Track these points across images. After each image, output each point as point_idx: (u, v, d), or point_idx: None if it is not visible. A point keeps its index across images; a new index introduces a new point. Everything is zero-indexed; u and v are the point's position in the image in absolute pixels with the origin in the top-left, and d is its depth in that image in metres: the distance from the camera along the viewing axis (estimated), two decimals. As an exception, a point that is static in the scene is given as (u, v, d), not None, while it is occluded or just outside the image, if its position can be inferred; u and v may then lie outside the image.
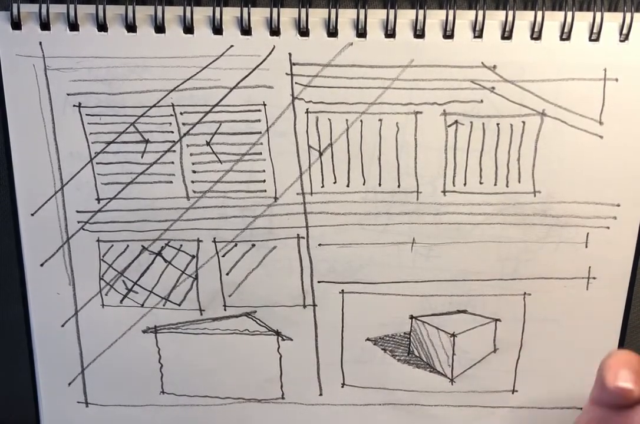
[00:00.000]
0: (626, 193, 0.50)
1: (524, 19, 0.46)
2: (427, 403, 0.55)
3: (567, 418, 0.55)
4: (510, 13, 0.46)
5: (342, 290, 0.53)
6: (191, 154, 0.49)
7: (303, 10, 0.46)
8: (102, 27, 0.46)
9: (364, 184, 0.50)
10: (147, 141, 0.49)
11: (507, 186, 0.50)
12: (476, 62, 0.47)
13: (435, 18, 0.46)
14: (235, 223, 0.51)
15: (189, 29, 0.46)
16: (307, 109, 0.48)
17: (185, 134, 0.49)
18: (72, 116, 0.49)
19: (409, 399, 0.55)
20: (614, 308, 0.52)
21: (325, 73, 0.47)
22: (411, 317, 0.53)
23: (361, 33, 0.46)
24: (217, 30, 0.46)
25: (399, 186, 0.50)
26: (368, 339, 0.54)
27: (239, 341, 0.54)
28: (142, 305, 0.53)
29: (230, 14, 0.46)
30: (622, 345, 0.53)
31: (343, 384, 0.55)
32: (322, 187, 0.50)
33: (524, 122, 0.48)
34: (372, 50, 0.47)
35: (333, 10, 0.46)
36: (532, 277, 0.52)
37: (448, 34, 0.46)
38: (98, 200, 0.50)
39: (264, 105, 0.48)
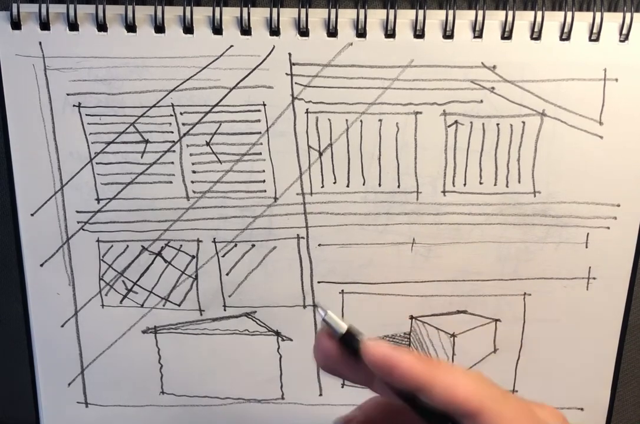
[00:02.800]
0: (626, 194, 0.50)
1: (523, 19, 0.46)
2: (427, 403, 0.55)
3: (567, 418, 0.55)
4: (510, 13, 0.46)
5: (342, 291, 0.52)
6: (191, 154, 0.49)
7: (303, 10, 0.46)
8: (102, 27, 0.46)
9: (363, 184, 0.50)
10: (146, 141, 0.49)
11: (507, 186, 0.50)
12: (476, 62, 0.47)
13: (435, 18, 0.46)
14: (235, 223, 0.51)
15: (188, 29, 0.46)
16: (307, 109, 0.48)
17: (185, 134, 0.49)
18: (71, 116, 0.49)
19: (409, 400, 0.55)
20: (614, 308, 0.52)
21: (325, 73, 0.47)
22: (411, 317, 0.53)
23: (361, 33, 0.46)
24: (217, 30, 0.46)
25: (398, 186, 0.50)
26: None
27: (239, 341, 0.54)
28: (142, 305, 0.53)
29: (230, 14, 0.46)
30: (622, 344, 0.53)
31: (343, 385, 0.55)
32: (322, 187, 0.50)
33: (523, 122, 0.48)
34: (372, 50, 0.47)
35: (333, 10, 0.46)
36: (532, 277, 0.52)
37: (448, 34, 0.46)
38: (98, 200, 0.50)
39: (264, 105, 0.48)
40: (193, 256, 0.52)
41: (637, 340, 0.55)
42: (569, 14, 0.45)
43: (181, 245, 0.51)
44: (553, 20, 0.46)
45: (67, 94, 0.48)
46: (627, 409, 0.54)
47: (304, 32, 0.46)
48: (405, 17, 0.46)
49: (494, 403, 0.30)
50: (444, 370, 0.31)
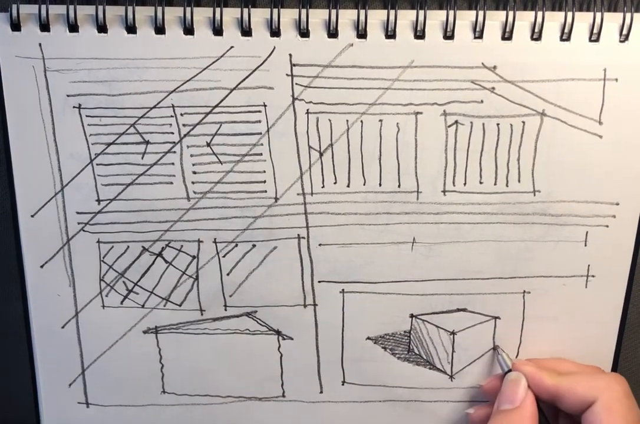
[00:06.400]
0: (625, 192, 0.50)
1: (524, 20, 0.46)
2: (427, 399, 0.56)
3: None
4: (511, 13, 0.46)
5: (343, 290, 0.53)
6: (191, 155, 0.49)
7: (303, 11, 0.46)
8: (102, 28, 0.46)
9: (364, 184, 0.50)
10: (147, 142, 0.49)
11: (507, 185, 0.50)
12: (476, 62, 0.47)
13: (435, 19, 0.46)
14: (235, 223, 0.51)
15: (189, 30, 0.46)
16: (307, 110, 0.48)
17: (185, 135, 0.49)
18: (72, 117, 0.48)
19: (408, 396, 0.56)
20: (612, 306, 0.53)
21: (326, 74, 0.47)
22: (411, 316, 0.53)
23: (361, 34, 0.46)
24: (218, 31, 0.46)
25: (399, 186, 0.50)
26: (368, 338, 0.54)
27: (240, 340, 0.54)
28: (143, 306, 0.53)
29: (230, 14, 0.46)
30: (620, 342, 0.53)
31: (343, 382, 0.55)
32: (322, 187, 0.50)
33: (523, 122, 0.48)
34: (372, 51, 0.47)
35: (333, 11, 0.46)
36: (532, 275, 0.52)
37: (448, 35, 0.46)
38: (98, 201, 0.50)
39: (265, 106, 0.48)
40: (194, 257, 0.52)
41: (635, 338, 0.55)
42: (569, 14, 0.45)
43: (182, 246, 0.52)
44: (553, 20, 0.46)
45: (67, 95, 0.48)
46: (625, 405, 0.54)
47: (304, 33, 0.46)
48: (405, 18, 0.46)
49: None
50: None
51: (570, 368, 0.51)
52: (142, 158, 0.49)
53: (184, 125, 0.49)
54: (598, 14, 0.46)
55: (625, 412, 0.46)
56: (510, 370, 0.51)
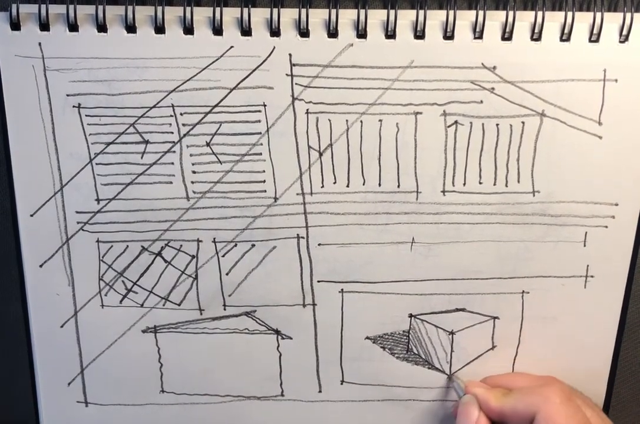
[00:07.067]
0: (624, 193, 0.50)
1: (524, 20, 0.46)
2: (426, 398, 0.56)
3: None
4: (511, 14, 0.46)
5: (342, 289, 0.53)
6: (191, 155, 0.49)
7: (303, 11, 0.46)
8: (102, 27, 0.46)
9: (363, 184, 0.50)
10: (147, 142, 0.49)
11: (506, 186, 0.50)
12: (476, 62, 0.47)
13: (435, 19, 0.46)
14: (235, 223, 0.51)
15: (189, 29, 0.46)
16: (307, 110, 0.48)
17: (185, 135, 0.49)
18: (71, 117, 0.48)
19: (407, 395, 0.56)
20: (611, 306, 0.53)
21: (326, 74, 0.47)
22: (410, 315, 0.53)
23: (361, 34, 0.46)
24: (217, 31, 0.46)
25: (398, 186, 0.50)
26: (367, 337, 0.54)
27: (239, 340, 0.54)
28: (142, 305, 0.53)
29: (230, 14, 0.46)
30: (619, 342, 0.53)
31: (342, 382, 0.55)
32: (322, 187, 0.50)
33: (523, 123, 0.48)
34: (372, 51, 0.47)
35: (333, 11, 0.46)
36: (531, 276, 0.52)
37: (448, 35, 0.46)
38: (98, 200, 0.50)
39: (264, 105, 0.48)
40: (193, 256, 0.52)
41: (635, 338, 0.55)
42: (569, 14, 0.45)
43: (181, 245, 0.52)
44: (553, 21, 0.46)
45: (67, 95, 0.48)
46: (624, 406, 0.54)
47: (304, 33, 0.46)
48: (405, 18, 0.46)
49: None
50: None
51: (523, 383, 0.52)
52: (142, 157, 0.49)
53: (183, 124, 0.49)
54: (598, 14, 0.46)
55: (566, 420, 0.46)
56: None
